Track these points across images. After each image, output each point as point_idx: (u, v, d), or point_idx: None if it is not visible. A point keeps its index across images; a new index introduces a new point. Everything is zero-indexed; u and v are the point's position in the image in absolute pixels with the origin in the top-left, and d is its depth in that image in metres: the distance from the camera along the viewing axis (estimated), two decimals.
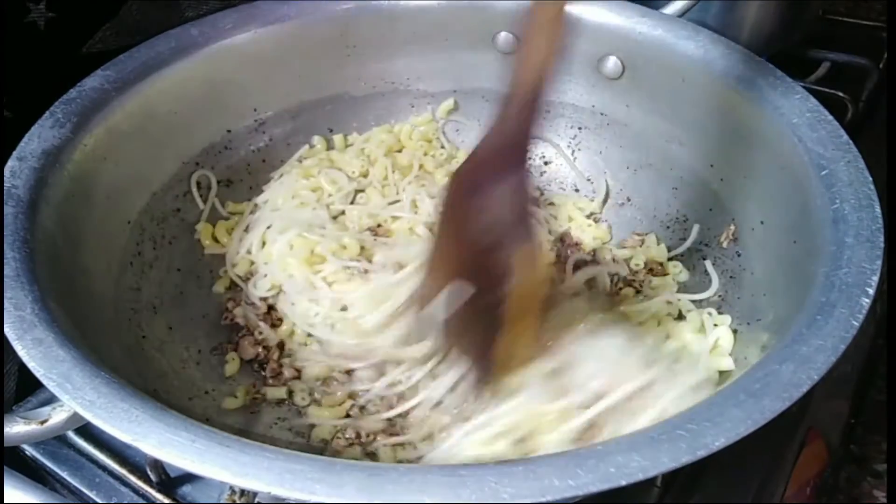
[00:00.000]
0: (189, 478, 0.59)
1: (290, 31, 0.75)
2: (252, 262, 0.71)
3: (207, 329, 0.68)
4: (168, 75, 0.69)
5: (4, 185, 0.54)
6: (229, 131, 0.75)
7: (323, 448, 0.59)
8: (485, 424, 0.53)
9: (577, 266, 0.70)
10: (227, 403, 0.62)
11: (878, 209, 0.52)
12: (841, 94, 0.90)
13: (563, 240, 0.74)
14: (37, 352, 0.44)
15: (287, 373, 0.64)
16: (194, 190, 0.72)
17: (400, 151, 0.80)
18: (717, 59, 0.68)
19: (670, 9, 0.75)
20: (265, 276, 0.69)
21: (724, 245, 0.67)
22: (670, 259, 0.71)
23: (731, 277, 0.65)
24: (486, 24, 0.77)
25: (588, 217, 0.76)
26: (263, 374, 0.65)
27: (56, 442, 0.61)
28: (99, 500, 0.59)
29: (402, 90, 0.81)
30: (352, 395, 0.62)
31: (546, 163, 0.80)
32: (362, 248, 0.70)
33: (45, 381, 0.43)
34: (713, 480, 0.61)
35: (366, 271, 0.67)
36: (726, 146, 0.67)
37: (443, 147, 0.81)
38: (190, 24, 0.72)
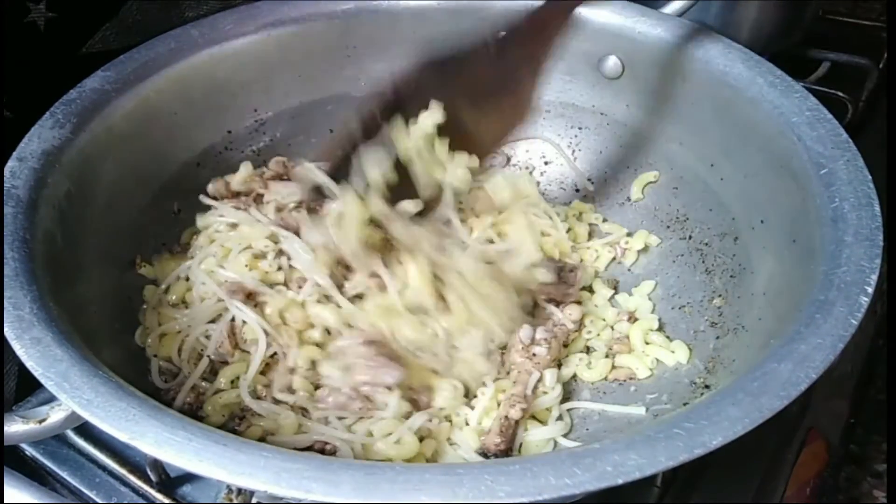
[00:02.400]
0: (189, 478, 0.59)
1: (290, 31, 0.75)
2: None
3: None
4: (168, 75, 0.69)
5: (4, 185, 0.54)
6: (230, 132, 0.75)
7: None
8: None
9: None
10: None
11: (877, 208, 0.52)
12: (841, 94, 0.90)
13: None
14: (35, 351, 0.44)
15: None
16: None
17: None
18: (716, 59, 0.68)
19: (670, 8, 0.75)
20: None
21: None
22: None
23: (731, 277, 0.65)
24: (486, 24, 0.77)
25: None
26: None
27: (56, 442, 0.62)
28: (99, 500, 0.59)
29: None
30: None
31: (546, 163, 0.80)
32: None
33: (43, 380, 0.43)
34: (713, 480, 0.61)
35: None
36: (726, 145, 0.67)
37: None
38: (190, 25, 0.72)
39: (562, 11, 0.65)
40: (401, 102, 0.61)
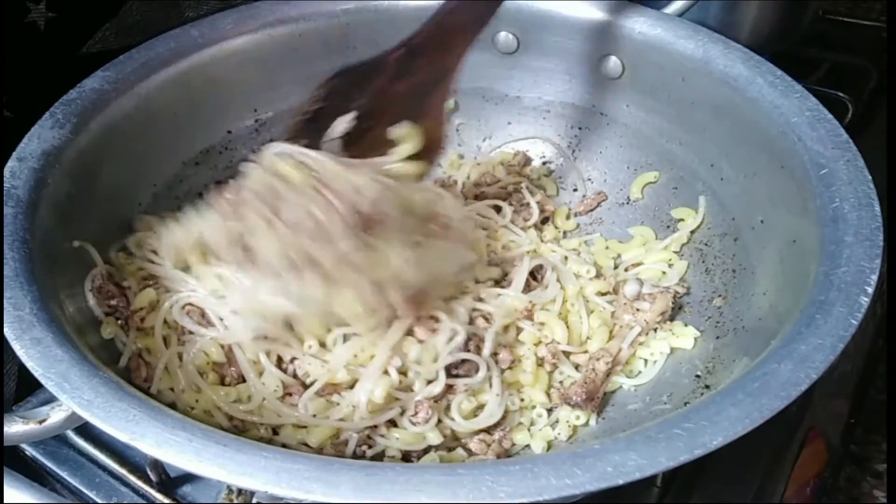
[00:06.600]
0: (189, 478, 0.59)
1: (290, 31, 0.75)
2: None
3: None
4: (168, 75, 0.69)
5: (4, 185, 0.54)
6: (229, 132, 0.75)
7: None
8: None
9: None
10: None
11: (877, 208, 0.52)
12: (841, 94, 0.90)
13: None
14: (35, 351, 0.44)
15: None
16: None
17: None
18: (716, 59, 0.67)
19: (670, 9, 0.75)
20: None
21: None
22: None
23: (731, 277, 0.65)
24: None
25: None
26: None
27: (56, 442, 0.62)
28: (99, 500, 0.59)
29: None
30: None
31: (546, 163, 0.80)
32: None
33: (43, 381, 0.43)
34: (713, 480, 0.61)
35: None
36: (726, 145, 0.67)
37: None
38: (190, 25, 0.72)
39: (472, 19, 0.62)
40: (320, 113, 0.61)
